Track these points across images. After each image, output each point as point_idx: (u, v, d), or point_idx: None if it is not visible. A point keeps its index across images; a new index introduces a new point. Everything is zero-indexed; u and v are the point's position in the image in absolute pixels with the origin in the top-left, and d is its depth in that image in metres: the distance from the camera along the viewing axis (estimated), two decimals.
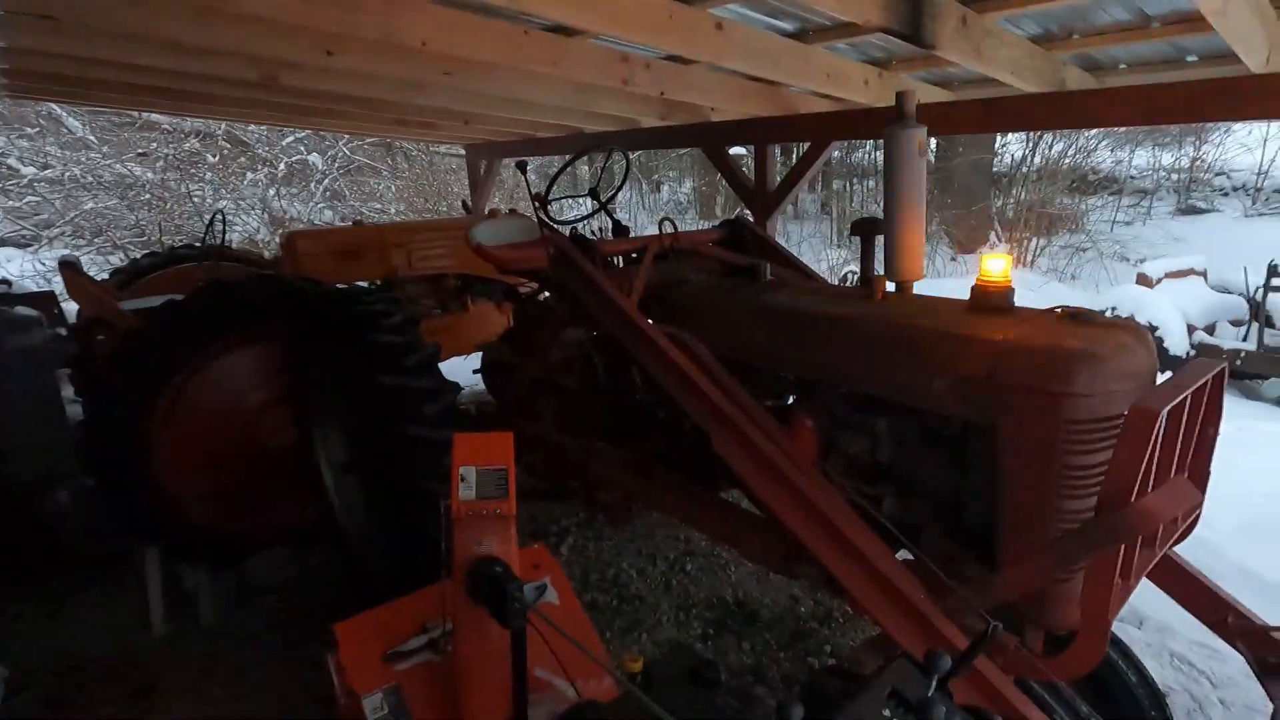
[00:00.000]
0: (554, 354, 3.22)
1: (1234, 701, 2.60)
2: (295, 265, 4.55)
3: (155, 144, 11.20)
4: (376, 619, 1.94)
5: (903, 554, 1.99)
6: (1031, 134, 12.72)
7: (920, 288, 2.34)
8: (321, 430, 3.17)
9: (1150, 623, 3.01)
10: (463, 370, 4.67)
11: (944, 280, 10.69)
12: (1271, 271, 6.33)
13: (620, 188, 3.46)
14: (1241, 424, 5.11)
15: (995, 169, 13.39)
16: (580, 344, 3.19)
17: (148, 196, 11.05)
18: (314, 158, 12.23)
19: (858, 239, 2.47)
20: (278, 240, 10.24)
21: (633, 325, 2.43)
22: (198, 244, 5.15)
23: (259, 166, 12.01)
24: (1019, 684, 1.71)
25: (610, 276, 2.73)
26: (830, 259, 12.16)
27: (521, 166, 2.89)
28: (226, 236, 5.10)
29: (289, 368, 3.14)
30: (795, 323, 2.30)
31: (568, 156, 3.29)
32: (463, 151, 7.73)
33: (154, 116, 10.58)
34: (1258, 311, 6.55)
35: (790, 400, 2.59)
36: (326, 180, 12.38)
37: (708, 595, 3.34)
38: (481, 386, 4.25)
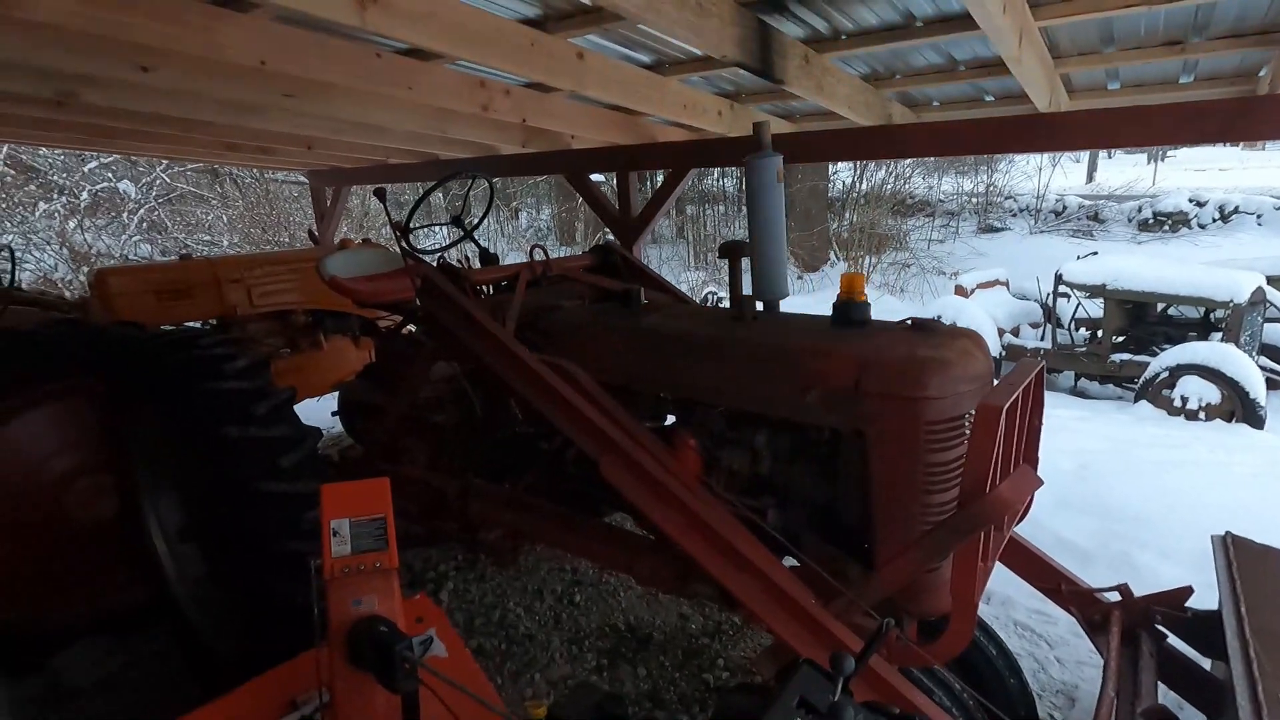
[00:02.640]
0: (424, 390, 3.05)
1: (1068, 659, 2.94)
2: (108, 307, 3.99)
3: None
4: (233, 705, 1.70)
5: (789, 561, 2.07)
6: (858, 162, 14.08)
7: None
8: (151, 496, 2.78)
9: (996, 597, 3.35)
10: (318, 413, 4.30)
11: (796, 297, 11.49)
12: (1057, 280, 7.38)
13: (485, 215, 3.38)
14: (1046, 412, 5.89)
15: (829, 194, 14.67)
16: (451, 378, 3.05)
17: None
18: (125, 185, 10.83)
19: (714, 260, 2.58)
20: (82, 279, 9.01)
21: (512, 355, 2.36)
22: None
23: (54, 195, 10.46)
24: (903, 672, 1.82)
25: (482, 306, 2.64)
26: (690, 280, 12.64)
27: (380, 194, 2.73)
28: (16, 276, 4.38)
29: (105, 428, 2.73)
30: (673, 345, 2.34)
31: (422, 183, 3.17)
32: (303, 178, 7.22)
33: None
34: (1050, 314, 7.61)
35: (670, 420, 2.63)
36: (142, 210, 11.02)
37: (599, 625, 3.28)
38: (339, 430, 3.93)
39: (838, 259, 14.04)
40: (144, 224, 11.05)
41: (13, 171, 10.17)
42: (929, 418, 1.81)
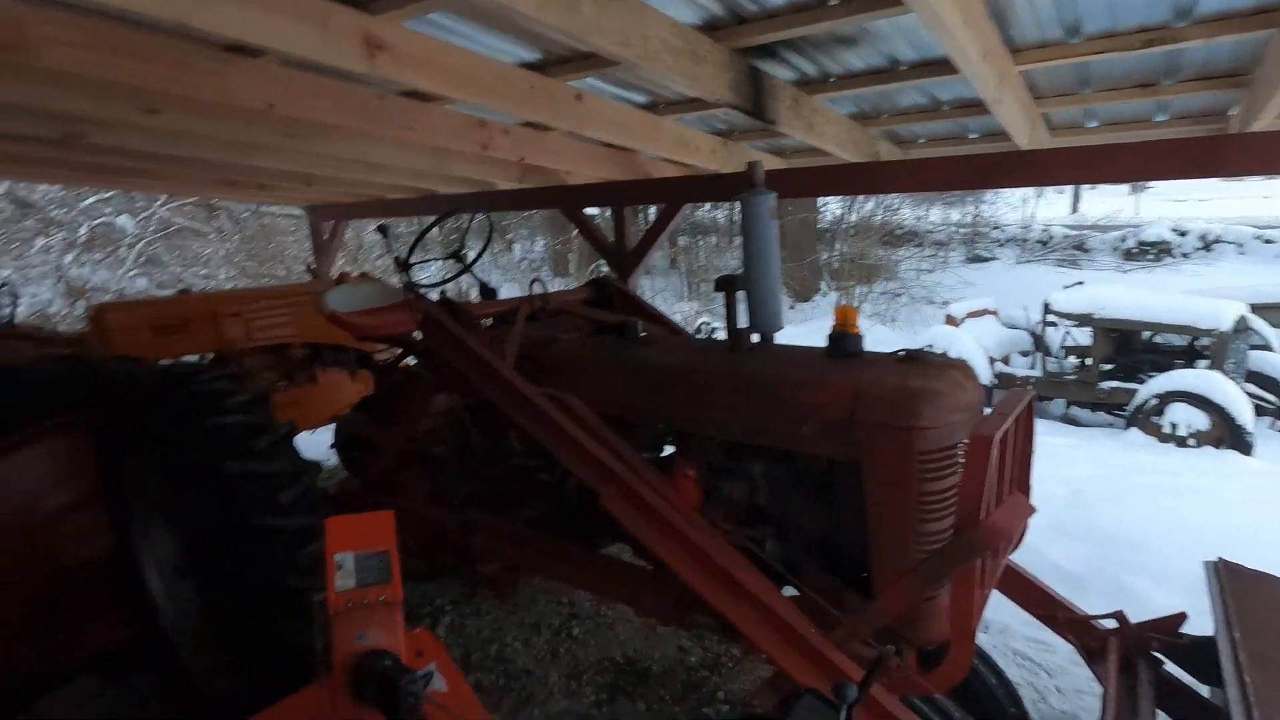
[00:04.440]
0: (422, 423, 3.07)
1: (1067, 688, 2.93)
2: (105, 342, 4.00)
3: None
4: None
5: (788, 591, 2.08)
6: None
7: None
8: (145, 533, 2.77)
9: (994, 626, 3.35)
10: (314, 446, 4.30)
11: (789, 326, 11.58)
12: (1046, 309, 7.50)
13: (484, 251, 3.44)
14: (1038, 439, 5.94)
15: (819, 226, 14.91)
16: (450, 411, 3.07)
17: None
18: (124, 220, 10.91)
19: (707, 291, 2.63)
20: (77, 312, 9.01)
21: (512, 389, 2.39)
22: None
23: (52, 230, 10.51)
24: (903, 701, 1.82)
25: (482, 339, 2.68)
26: (684, 311, 12.75)
27: (384, 230, 2.79)
28: (13, 311, 4.39)
29: (99, 464, 2.72)
30: (671, 377, 2.38)
31: (421, 218, 3.25)
32: (298, 212, 7.30)
33: None
34: (1039, 343, 7.71)
35: (667, 451, 2.65)
36: (140, 245, 11.07)
37: (597, 658, 3.25)
38: (334, 463, 3.93)
39: (829, 289, 14.22)
40: (141, 258, 11.10)
41: (9, 207, 10.24)
42: (922, 447, 1.84)
